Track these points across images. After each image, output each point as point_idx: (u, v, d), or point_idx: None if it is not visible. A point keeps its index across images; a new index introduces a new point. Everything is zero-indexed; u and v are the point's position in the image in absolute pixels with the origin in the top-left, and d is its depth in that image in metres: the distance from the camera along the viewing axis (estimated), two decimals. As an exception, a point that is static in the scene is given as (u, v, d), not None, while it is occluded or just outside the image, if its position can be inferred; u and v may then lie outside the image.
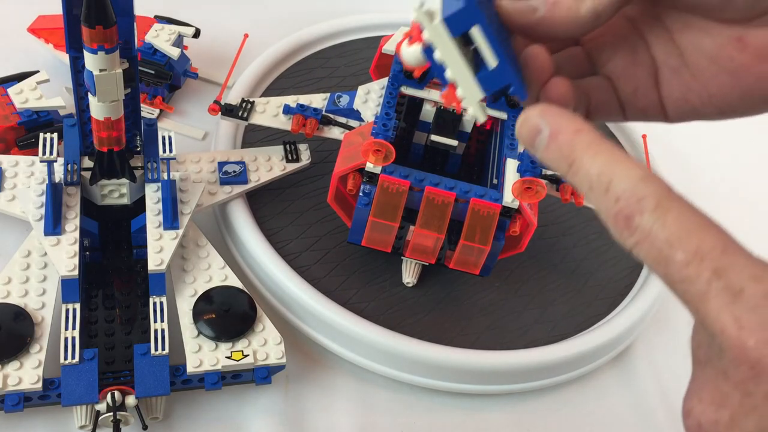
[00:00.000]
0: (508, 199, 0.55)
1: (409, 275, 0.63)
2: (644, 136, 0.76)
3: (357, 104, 0.64)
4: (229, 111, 0.64)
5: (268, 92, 0.76)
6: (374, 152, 0.53)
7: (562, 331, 0.63)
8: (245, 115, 0.64)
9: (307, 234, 0.65)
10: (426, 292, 0.63)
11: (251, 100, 0.65)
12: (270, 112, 0.64)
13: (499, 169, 0.59)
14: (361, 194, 0.56)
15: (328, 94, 0.66)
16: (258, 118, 0.64)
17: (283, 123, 0.64)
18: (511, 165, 0.57)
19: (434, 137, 0.61)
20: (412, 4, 0.30)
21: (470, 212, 0.55)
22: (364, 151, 0.53)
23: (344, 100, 0.65)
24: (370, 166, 0.54)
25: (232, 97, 0.70)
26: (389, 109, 0.59)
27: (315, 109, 0.64)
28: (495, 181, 0.59)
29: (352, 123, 0.64)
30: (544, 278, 0.67)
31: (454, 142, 0.61)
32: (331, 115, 0.64)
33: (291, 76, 0.78)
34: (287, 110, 0.64)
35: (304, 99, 0.65)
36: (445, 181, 0.55)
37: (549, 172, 0.63)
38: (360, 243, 0.59)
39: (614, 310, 0.66)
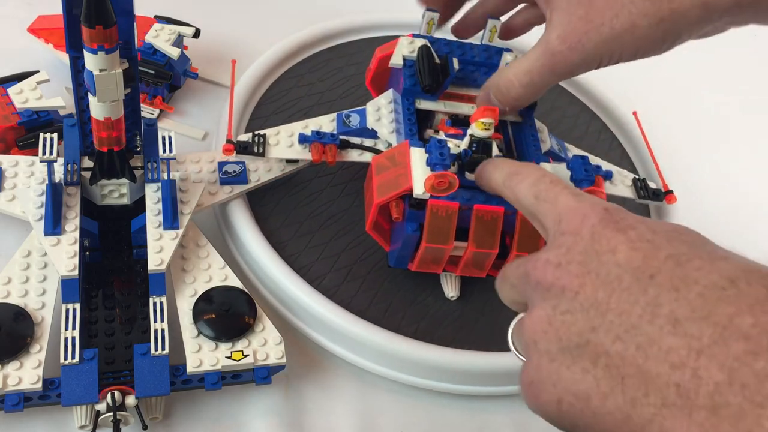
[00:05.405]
0: None
1: (451, 289, 0.62)
2: (635, 113, 0.76)
3: (371, 123, 0.62)
4: (243, 149, 0.61)
5: (269, 92, 0.76)
6: (437, 184, 0.52)
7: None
8: (261, 150, 0.61)
9: (307, 233, 0.65)
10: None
11: (262, 133, 0.62)
12: (284, 143, 0.62)
13: None
14: (407, 220, 0.55)
15: (335, 115, 0.64)
16: (274, 152, 0.61)
17: (300, 152, 0.61)
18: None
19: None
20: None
21: (519, 222, 0.55)
22: (429, 186, 0.51)
23: (354, 120, 0.63)
24: (418, 193, 0.53)
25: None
26: (412, 126, 0.58)
27: (332, 135, 0.61)
28: None
29: (368, 143, 0.62)
30: None
31: None
32: (348, 138, 0.62)
33: (291, 77, 0.78)
34: (303, 139, 0.61)
35: (313, 124, 0.63)
36: (490, 196, 0.54)
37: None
38: (406, 268, 0.58)
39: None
